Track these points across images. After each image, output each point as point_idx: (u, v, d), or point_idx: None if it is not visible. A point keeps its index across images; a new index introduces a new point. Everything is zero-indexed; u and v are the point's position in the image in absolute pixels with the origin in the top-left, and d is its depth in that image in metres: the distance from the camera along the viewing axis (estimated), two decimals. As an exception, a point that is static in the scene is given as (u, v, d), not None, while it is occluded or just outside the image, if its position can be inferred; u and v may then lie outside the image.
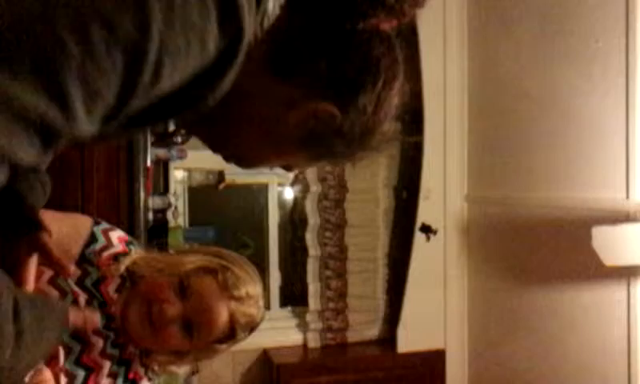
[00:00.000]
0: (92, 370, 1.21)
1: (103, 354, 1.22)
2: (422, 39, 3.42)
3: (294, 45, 0.73)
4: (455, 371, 3.71)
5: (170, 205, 3.05)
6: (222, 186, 3.66)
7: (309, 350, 3.71)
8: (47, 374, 1.02)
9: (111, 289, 1.24)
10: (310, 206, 3.71)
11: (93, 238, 1.26)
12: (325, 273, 3.72)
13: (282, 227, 3.98)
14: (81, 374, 1.20)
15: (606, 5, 2.73)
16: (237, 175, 3.62)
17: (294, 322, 3.85)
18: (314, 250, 3.71)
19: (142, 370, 1.29)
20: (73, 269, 1.21)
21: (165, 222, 3.04)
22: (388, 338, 3.77)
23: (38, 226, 1.05)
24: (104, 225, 1.29)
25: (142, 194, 2.59)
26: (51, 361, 1.15)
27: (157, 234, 2.92)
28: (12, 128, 0.50)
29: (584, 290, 2.89)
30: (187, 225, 3.71)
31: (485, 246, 3.61)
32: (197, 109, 0.68)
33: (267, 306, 3.56)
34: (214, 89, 0.66)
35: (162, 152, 2.99)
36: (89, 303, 1.22)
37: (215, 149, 0.82)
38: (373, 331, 3.83)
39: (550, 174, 3.07)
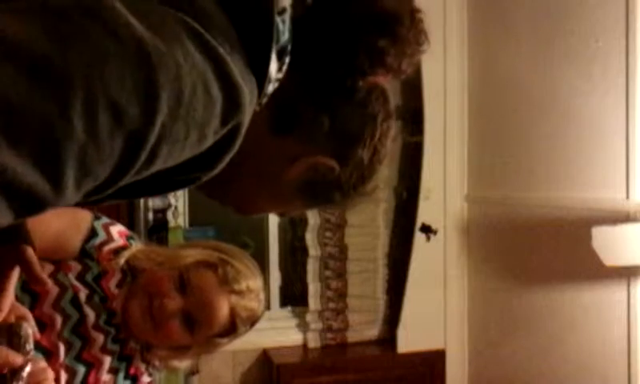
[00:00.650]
0: (92, 365, 1.21)
1: (104, 349, 1.22)
2: (422, 39, 3.42)
3: (295, 103, 0.74)
4: (455, 371, 3.70)
5: (169, 205, 3.05)
6: (222, 186, 3.65)
7: (309, 350, 3.70)
8: (49, 374, 1.02)
9: (112, 284, 1.24)
10: (310, 206, 3.70)
11: (93, 233, 1.26)
12: (325, 273, 3.71)
13: (281, 227, 3.97)
14: (81, 369, 1.19)
15: (606, 5, 2.74)
16: (237, 175, 3.62)
17: (293, 322, 3.85)
18: (313, 250, 3.71)
19: (142, 366, 1.29)
20: (73, 264, 1.22)
21: (165, 221, 3.05)
22: (388, 338, 3.76)
23: (23, 238, 0.99)
24: (104, 219, 1.29)
25: (142, 194, 2.58)
26: (51, 357, 1.15)
27: (157, 234, 2.92)
28: None
29: (584, 289, 2.88)
30: (187, 225, 3.71)
31: (485, 246, 3.60)
32: (189, 186, 0.69)
33: (267, 306, 3.55)
34: (207, 172, 0.67)
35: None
36: (89, 298, 1.22)
37: (213, 198, 0.83)
38: (373, 331, 3.82)
39: (550, 174, 3.07)
